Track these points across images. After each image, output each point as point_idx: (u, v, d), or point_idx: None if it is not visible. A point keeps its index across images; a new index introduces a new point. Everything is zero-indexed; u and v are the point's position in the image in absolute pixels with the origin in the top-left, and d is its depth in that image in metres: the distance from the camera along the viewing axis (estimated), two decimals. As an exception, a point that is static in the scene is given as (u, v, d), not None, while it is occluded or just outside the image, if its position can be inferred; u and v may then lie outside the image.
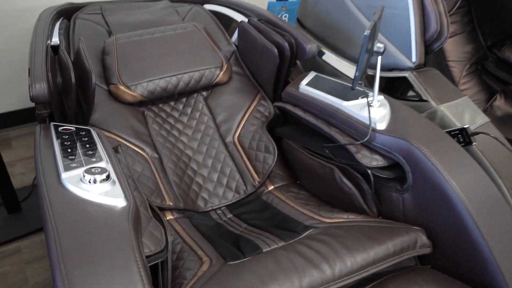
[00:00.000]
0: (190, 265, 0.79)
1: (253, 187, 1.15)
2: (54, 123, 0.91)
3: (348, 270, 0.74)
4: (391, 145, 0.87)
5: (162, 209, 1.03)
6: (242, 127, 1.25)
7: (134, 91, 1.18)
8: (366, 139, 0.89)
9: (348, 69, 1.33)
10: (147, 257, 0.65)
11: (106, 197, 0.65)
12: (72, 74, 0.92)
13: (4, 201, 1.53)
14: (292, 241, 0.87)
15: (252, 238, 0.90)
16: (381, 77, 1.03)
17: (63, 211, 0.62)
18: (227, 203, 1.12)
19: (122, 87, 1.17)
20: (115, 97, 1.19)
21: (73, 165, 0.72)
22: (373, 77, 1.46)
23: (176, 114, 1.26)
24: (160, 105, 1.26)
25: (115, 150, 0.95)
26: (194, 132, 1.24)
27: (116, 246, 0.58)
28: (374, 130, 0.90)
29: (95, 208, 0.63)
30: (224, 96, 1.31)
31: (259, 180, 1.15)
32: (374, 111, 0.93)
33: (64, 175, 0.68)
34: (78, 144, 0.80)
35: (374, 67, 1.19)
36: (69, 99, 0.96)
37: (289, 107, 1.12)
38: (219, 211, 1.10)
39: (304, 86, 1.13)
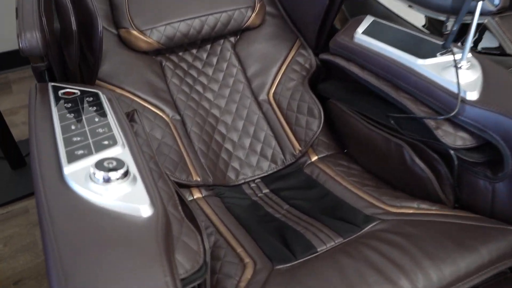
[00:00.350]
0: (231, 270, 0.64)
1: (293, 156, 0.97)
2: (53, 83, 0.72)
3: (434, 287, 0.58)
4: (485, 120, 0.67)
5: (189, 187, 0.86)
6: (279, 83, 1.04)
7: (149, 37, 0.96)
8: (454, 113, 0.69)
9: (409, 12, 1.09)
10: (182, 280, 0.49)
11: (124, 203, 0.48)
12: (73, 19, 0.71)
13: (6, 155, 1.38)
14: (352, 237, 0.70)
15: (300, 229, 0.74)
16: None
17: (66, 223, 0.45)
18: (261, 175, 0.96)
19: (134, 32, 0.95)
20: (126, 44, 0.98)
21: (79, 152, 0.53)
22: (432, 24, 1.21)
23: (199, 64, 1.05)
24: (180, 53, 1.05)
25: (130, 118, 0.76)
26: (221, 88, 1.04)
27: (141, 279, 0.41)
28: (463, 100, 0.69)
29: (109, 221, 0.46)
30: (256, 44, 1.08)
31: (300, 148, 0.96)
32: (463, 74, 0.72)
33: (67, 169, 0.50)
34: (84, 118, 0.62)
35: (447, 10, 0.95)
36: (71, 50, 0.76)
37: (341, 61, 0.91)
38: (253, 185, 0.94)
39: (361, 36, 0.90)
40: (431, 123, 0.72)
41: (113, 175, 0.49)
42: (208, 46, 1.08)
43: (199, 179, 0.86)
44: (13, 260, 1.18)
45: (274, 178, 0.95)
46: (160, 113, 0.93)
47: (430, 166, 0.75)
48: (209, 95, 1.02)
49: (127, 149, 0.56)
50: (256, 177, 0.95)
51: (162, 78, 0.99)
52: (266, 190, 0.92)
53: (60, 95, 0.68)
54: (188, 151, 0.90)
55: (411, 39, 0.84)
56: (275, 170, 0.96)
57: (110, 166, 0.50)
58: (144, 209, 0.48)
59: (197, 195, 0.86)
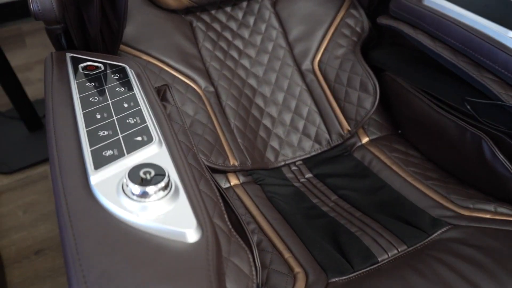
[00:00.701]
0: (279, 283, 0.56)
1: (340, 137, 0.85)
2: (72, 54, 0.61)
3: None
4: None
5: (225, 172, 0.76)
6: (325, 49, 0.91)
7: (179, -7, 0.82)
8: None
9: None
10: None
11: (166, 226, 0.38)
12: (93, -26, 0.58)
13: (22, 116, 1.29)
14: (418, 245, 0.61)
15: (355, 230, 0.65)
16: None
17: (96, 255, 0.36)
18: (303, 156, 0.85)
19: (162, -13, 0.82)
20: (152, 1, 0.84)
21: (107, 152, 0.43)
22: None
23: (234, 25, 0.91)
24: (213, 12, 0.91)
25: (162, 97, 0.65)
26: (259, 53, 0.91)
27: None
28: None
29: (149, 251, 0.37)
30: (300, 2, 0.94)
31: (349, 128, 0.85)
32: None
33: (95, 178, 0.40)
34: (110, 103, 0.51)
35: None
36: (91, 13, 0.64)
37: (406, 29, 0.76)
38: (294, 168, 0.84)
39: (433, -3, 0.75)
40: (523, 114, 0.59)
41: (151, 189, 0.39)
42: (244, 4, 0.93)
43: (236, 163, 0.76)
44: (34, 229, 1.13)
45: (318, 161, 0.84)
46: (192, 84, 0.81)
47: (515, 163, 0.63)
48: (245, 62, 0.89)
49: (164, 148, 0.46)
50: (298, 158, 0.85)
51: (193, 41, 0.86)
52: (309, 175, 0.82)
53: (80, 69, 0.57)
54: (223, 130, 0.79)
55: (499, 3, 0.69)
56: (319, 151, 0.85)
57: (148, 176, 0.40)
58: (190, 234, 0.39)
59: (234, 181, 0.76)
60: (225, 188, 0.75)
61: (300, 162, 0.85)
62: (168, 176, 0.40)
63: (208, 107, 0.81)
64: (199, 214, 0.41)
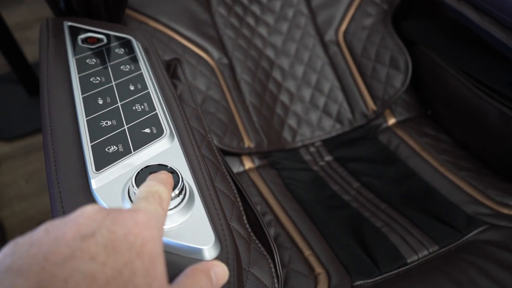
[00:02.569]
0: (300, 285, 0.51)
1: (364, 117, 0.78)
2: (71, 23, 0.53)
3: None
4: None
5: (239, 154, 0.70)
6: (351, 18, 0.82)
7: (190, -51, 0.73)
8: None
9: None
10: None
11: (179, 241, 0.32)
12: None
13: (21, 79, 1.22)
14: (451, 246, 0.55)
15: (381, 225, 0.59)
16: None
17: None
18: (323, 137, 0.79)
19: None
20: (161, -43, 0.75)
21: (111, 148, 0.37)
22: None
23: (251, -12, 0.82)
24: (228, -28, 0.82)
25: (172, 74, 0.57)
26: (278, 21, 0.82)
27: None
28: None
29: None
30: (326, -38, 0.83)
31: (374, 108, 0.78)
32: None
33: (96, 182, 0.34)
34: (114, 84, 0.44)
35: None
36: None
37: (449, 0, 0.67)
38: (312, 149, 0.77)
39: (482, -38, 0.65)
40: None
41: (163, 197, 0.33)
42: (264, -37, 0.83)
43: (252, 145, 0.70)
44: (37, 199, 1.09)
45: (338, 143, 0.78)
46: (204, 55, 0.74)
47: None
48: (262, 31, 0.81)
49: (176, 142, 0.39)
50: (317, 138, 0.78)
51: (206, 6, 0.78)
52: (328, 158, 0.76)
53: (80, 42, 0.50)
54: (238, 107, 0.73)
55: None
56: (340, 132, 0.79)
57: (158, 181, 0.34)
58: (208, 251, 0.33)
59: (248, 164, 0.71)
60: (239, 173, 0.69)
61: (320, 143, 0.78)
62: (182, 180, 0.34)
63: (222, 82, 0.73)
64: (218, 225, 0.35)
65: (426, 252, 0.55)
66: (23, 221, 1.04)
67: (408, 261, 0.54)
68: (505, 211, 0.58)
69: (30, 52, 1.29)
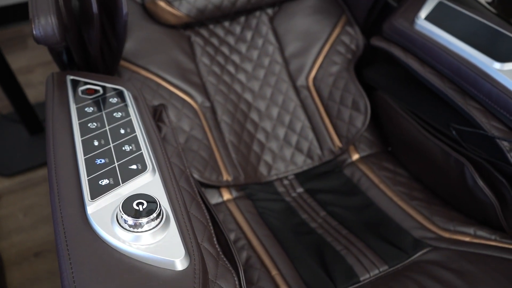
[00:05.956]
0: (266, 301, 0.59)
1: (332, 153, 0.88)
2: (73, 76, 0.63)
3: None
4: None
5: (218, 187, 0.79)
6: (320, 66, 0.93)
7: (177, 10, 0.85)
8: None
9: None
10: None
11: (156, 256, 0.41)
12: (93, 0, 0.60)
13: (23, 119, 1.32)
14: (398, 266, 0.64)
15: (341, 249, 0.68)
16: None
17: (89, 275, 0.39)
18: (296, 171, 0.88)
19: (161, 3, 0.84)
20: (152, 16, 0.87)
21: (103, 181, 0.46)
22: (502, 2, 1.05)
23: (231, 40, 0.94)
24: (211, 26, 0.93)
25: (158, 118, 0.67)
26: (256, 68, 0.93)
27: None
28: (550, 123, 0.59)
29: (137, 276, 0.40)
30: (297, 18, 0.96)
31: (340, 145, 0.87)
32: (552, 89, 0.60)
33: (91, 208, 0.43)
34: (108, 129, 0.54)
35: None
36: (91, 35, 0.66)
37: (398, 53, 0.79)
38: (286, 182, 0.86)
39: (424, 22, 0.77)
40: (503, 143, 0.62)
41: (144, 220, 0.42)
42: (243, 19, 0.95)
43: (230, 179, 0.79)
44: (34, 231, 1.16)
45: (309, 176, 0.87)
46: (189, 100, 0.84)
47: (494, 189, 0.66)
48: (241, 77, 0.92)
49: (157, 176, 0.48)
50: (290, 172, 0.87)
51: (191, 56, 0.89)
52: (300, 190, 0.85)
53: (80, 93, 0.60)
54: (218, 145, 0.82)
55: (488, 33, 0.72)
56: (311, 166, 0.88)
57: (140, 208, 0.43)
58: (179, 262, 0.41)
59: (226, 196, 0.79)
60: (218, 203, 0.78)
61: (292, 176, 0.87)
62: (160, 207, 0.43)
63: (204, 122, 0.83)
64: (188, 242, 0.43)
65: (377, 271, 0.63)
66: (20, 252, 1.11)
67: (361, 279, 0.62)
68: (446, 235, 0.67)
69: (32, 94, 1.39)
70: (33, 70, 1.49)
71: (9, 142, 1.33)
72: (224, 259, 0.51)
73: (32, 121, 1.33)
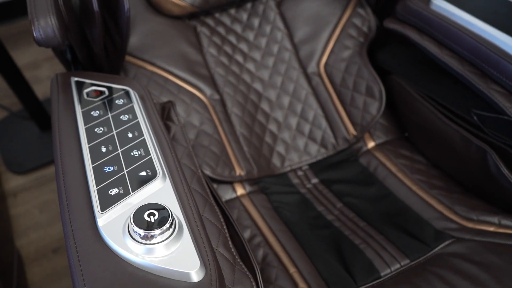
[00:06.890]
0: (284, 300, 0.58)
1: (346, 142, 0.85)
2: (77, 78, 0.61)
3: None
4: None
5: (231, 182, 0.78)
6: (331, 51, 0.90)
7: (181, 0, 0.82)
8: None
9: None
10: None
11: (170, 268, 0.40)
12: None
13: (32, 116, 1.32)
14: (420, 259, 0.62)
15: (359, 242, 0.66)
16: None
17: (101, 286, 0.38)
18: (310, 161, 0.86)
19: (164, -6, 0.81)
20: (155, 8, 0.84)
21: (113, 191, 0.45)
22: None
23: (238, 28, 0.91)
24: (217, 15, 0.90)
25: (166, 116, 0.65)
26: (264, 56, 0.90)
27: None
28: None
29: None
30: (305, 2, 0.92)
31: (354, 133, 0.85)
32: None
33: (102, 220, 0.42)
34: (115, 133, 0.52)
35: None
36: (93, 32, 0.64)
37: (413, 35, 0.75)
38: (300, 173, 0.84)
39: (440, 1, 0.73)
40: (530, 129, 0.59)
41: (156, 232, 0.40)
42: (249, 5, 0.92)
43: (243, 173, 0.78)
44: (51, 228, 1.17)
45: (324, 166, 0.85)
46: (197, 93, 0.82)
47: (520, 177, 0.63)
48: (250, 66, 0.89)
49: (168, 182, 0.47)
50: (304, 163, 0.85)
51: (198, 48, 0.86)
52: (315, 180, 0.83)
53: (85, 96, 0.58)
54: (229, 139, 0.80)
55: (510, 11, 0.67)
56: (325, 156, 0.86)
57: (152, 219, 0.41)
58: (194, 274, 0.40)
59: (240, 191, 0.78)
60: (232, 199, 0.76)
61: (307, 167, 0.85)
62: (172, 216, 0.42)
63: (214, 116, 0.81)
64: (203, 252, 0.42)
65: (398, 266, 0.61)
66: (38, 248, 1.12)
67: (382, 274, 0.61)
68: (470, 225, 0.65)
69: (40, 90, 1.38)
70: (40, 65, 1.47)
71: (20, 139, 1.33)
72: (241, 263, 0.50)
73: (42, 117, 1.32)
